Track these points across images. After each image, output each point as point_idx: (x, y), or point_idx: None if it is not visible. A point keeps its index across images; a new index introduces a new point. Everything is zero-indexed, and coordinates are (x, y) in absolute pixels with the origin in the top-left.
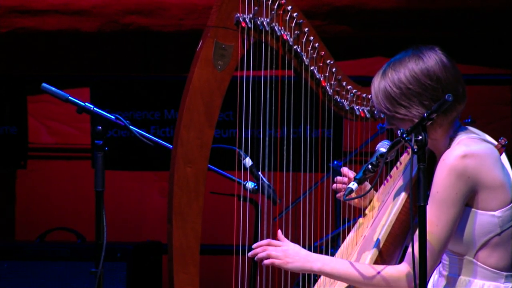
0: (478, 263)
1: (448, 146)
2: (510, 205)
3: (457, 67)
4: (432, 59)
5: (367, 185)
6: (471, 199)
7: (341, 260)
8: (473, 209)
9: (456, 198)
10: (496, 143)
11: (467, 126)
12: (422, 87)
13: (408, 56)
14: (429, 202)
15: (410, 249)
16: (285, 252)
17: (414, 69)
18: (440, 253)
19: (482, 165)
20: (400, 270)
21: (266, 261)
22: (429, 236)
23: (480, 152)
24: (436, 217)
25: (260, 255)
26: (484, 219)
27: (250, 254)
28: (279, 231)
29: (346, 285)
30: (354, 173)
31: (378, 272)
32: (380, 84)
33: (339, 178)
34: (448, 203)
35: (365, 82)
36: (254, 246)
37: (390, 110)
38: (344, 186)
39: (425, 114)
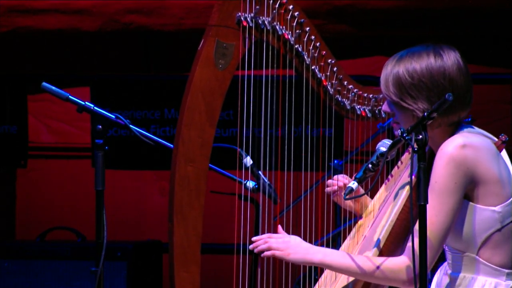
0: (481, 260)
1: None
2: (510, 200)
3: (470, 75)
4: (451, 60)
5: (361, 189)
6: (471, 193)
7: (342, 253)
8: (473, 204)
9: (455, 188)
10: (496, 139)
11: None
12: (434, 83)
13: (428, 50)
14: (428, 193)
15: (409, 243)
16: (286, 244)
17: (432, 63)
18: (439, 244)
19: (480, 157)
20: (399, 262)
21: (267, 253)
22: (428, 227)
23: (478, 144)
24: (435, 208)
25: (261, 247)
26: (485, 214)
27: (251, 246)
28: (279, 227)
29: (346, 283)
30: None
31: (378, 266)
32: (394, 68)
33: (329, 181)
34: (446, 194)
35: (365, 81)
36: (254, 239)
37: (396, 96)
38: (335, 187)
39: (426, 113)
